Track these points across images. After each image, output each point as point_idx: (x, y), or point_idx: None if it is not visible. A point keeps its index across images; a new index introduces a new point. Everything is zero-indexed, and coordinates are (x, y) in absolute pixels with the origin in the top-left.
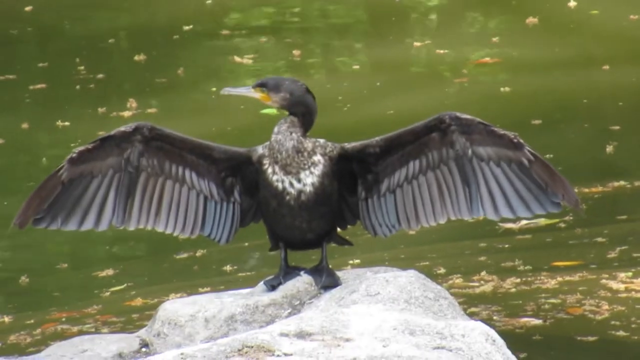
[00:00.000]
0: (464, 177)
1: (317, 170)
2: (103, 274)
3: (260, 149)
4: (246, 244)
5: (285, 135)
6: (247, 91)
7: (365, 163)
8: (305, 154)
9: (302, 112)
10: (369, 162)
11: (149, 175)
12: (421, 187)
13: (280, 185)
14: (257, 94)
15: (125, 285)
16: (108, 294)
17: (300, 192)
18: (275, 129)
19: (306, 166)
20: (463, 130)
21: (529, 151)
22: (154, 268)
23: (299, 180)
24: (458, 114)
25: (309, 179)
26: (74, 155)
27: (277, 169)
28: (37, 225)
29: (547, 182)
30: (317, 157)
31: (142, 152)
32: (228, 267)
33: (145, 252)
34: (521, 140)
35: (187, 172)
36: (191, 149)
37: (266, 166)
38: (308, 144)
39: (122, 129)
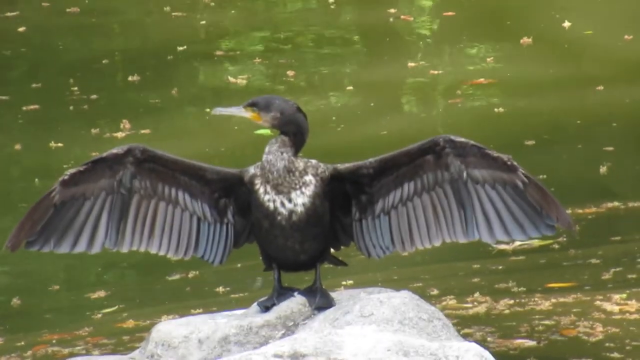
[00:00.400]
0: (459, 200)
1: (308, 191)
2: (95, 295)
3: (251, 170)
4: (239, 265)
5: (276, 155)
6: (238, 111)
7: (358, 184)
8: (297, 173)
9: (294, 132)
10: (363, 183)
11: (141, 197)
12: (416, 209)
13: (271, 205)
14: (248, 114)
15: (116, 307)
16: (100, 315)
17: (291, 212)
18: (267, 149)
19: (297, 186)
20: (457, 153)
21: (523, 174)
22: (146, 290)
23: (290, 200)
24: (452, 136)
25: (300, 199)
26: (66, 177)
27: (268, 188)
28: (29, 247)
29: (541, 204)
30: (309, 177)
31: (135, 174)
32: (221, 289)
33: (137, 273)
34: (515, 163)
35: (180, 194)
36: (184, 170)
37: (257, 186)
38: (299, 163)
39: (114, 151)
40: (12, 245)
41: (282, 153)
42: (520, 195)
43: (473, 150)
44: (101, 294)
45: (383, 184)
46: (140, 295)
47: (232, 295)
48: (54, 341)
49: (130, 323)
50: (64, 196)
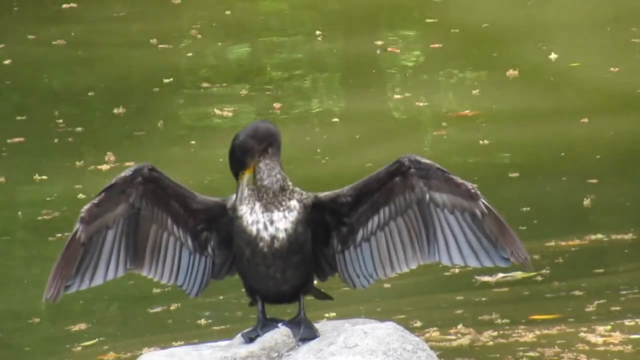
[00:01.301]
0: (424, 221)
1: (291, 217)
2: (76, 328)
3: (234, 196)
4: (221, 297)
5: (271, 180)
6: (243, 185)
7: (338, 214)
8: (287, 193)
9: (270, 142)
10: (342, 212)
11: (143, 218)
12: (392, 233)
13: (254, 229)
14: (247, 176)
15: (97, 339)
16: (79, 348)
17: (273, 238)
18: (258, 176)
19: (282, 208)
20: (421, 174)
21: (483, 203)
22: (128, 322)
23: (272, 223)
24: (418, 157)
25: (282, 224)
26: (84, 214)
27: (257, 207)
28: (67, 291)
29: (497, 236)
30: (294, 203)
31: (143, 193)
32: (202, 321)
33: (119, 306)
34: (478, 192)
35: (169, 219)
36: (176, 196)
37: (242, 211)
38: (289, 182)
39: (122, 174)
40: (52, 295)
41: (275, 175)
42: (477, 224)
43: (437, 173)
44: (82, 326)
45: (361, 213)
46: (122, 328)
47: (214, 328)
48: None
49: (111, 355)
50: (89, 233)
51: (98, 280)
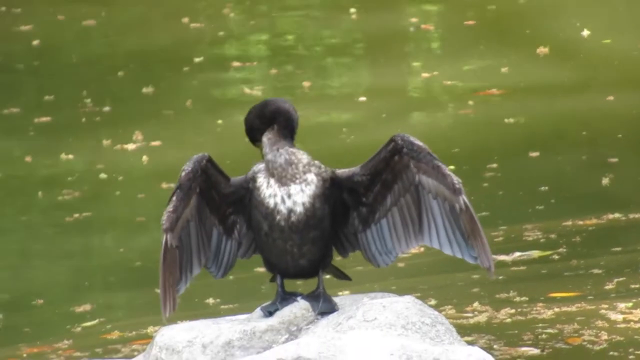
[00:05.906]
0: (418, 200)
1: (309, 190)
2: (80, 309)
3: (255, 168)
4: (231, 277)
5: (274, 154)
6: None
7: (355, 193)
8: (300, 166)
9: (278, 119)
10: (359, 192)
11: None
12: (403, 209)
13: (271, 202)
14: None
15: (97, 320)
16: (79, 329)
17: (290, 211)
18: (264, 150)
19: (298, 181)
20: (412, 155)
21: (463, 200)
22: (133, 302)
23: (290, 196)
24: (412, 138)
25: (300, 198)
26: (166, 225)
27: (272, 182)
28: (177, 294)
29: (468, 235)
30: (311, 176)
31: (201, 182)
32: (210, 300)
33: (125, 286)
34: (462, 188)
35: (207, 204)
36: (215, 183)
37: (260, 182)
38: (302, 156)
39: (184, 173)
40: (169, 309)
41: (277, 149)
42: (454, 216)
43: (427, 157)
44: (87, 307)
45: (377, 193)
46: (127, 308)
47: (222, 307)
48: (24, 355)
49: (115, 334)
50: (176, 236)
51: (196, 270)
